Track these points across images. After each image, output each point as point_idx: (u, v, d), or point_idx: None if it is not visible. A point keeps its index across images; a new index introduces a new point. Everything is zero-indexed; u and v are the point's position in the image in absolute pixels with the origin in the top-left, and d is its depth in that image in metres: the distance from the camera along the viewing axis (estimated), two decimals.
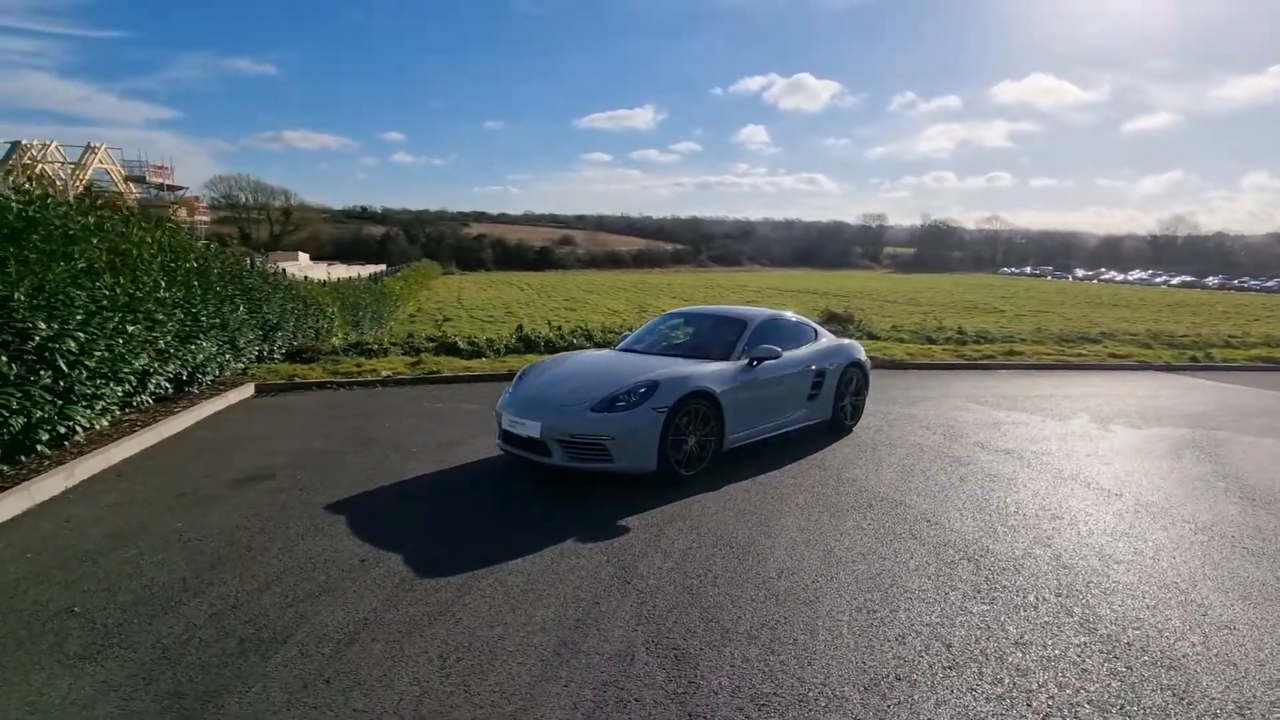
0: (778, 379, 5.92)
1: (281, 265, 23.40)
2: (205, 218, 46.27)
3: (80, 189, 37.77)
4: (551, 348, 12.44)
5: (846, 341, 7.00)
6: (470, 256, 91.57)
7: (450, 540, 3.94)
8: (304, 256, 45.84)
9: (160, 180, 41.00)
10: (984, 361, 12.55)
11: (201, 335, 7.56)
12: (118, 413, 6.18)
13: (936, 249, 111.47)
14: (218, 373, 8.48)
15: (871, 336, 14.89)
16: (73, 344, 4.89)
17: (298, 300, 13.30)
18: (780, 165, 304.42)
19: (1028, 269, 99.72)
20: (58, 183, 36.24)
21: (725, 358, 5.68)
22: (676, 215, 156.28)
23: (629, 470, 4.75)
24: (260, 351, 10.65)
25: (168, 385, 7.21)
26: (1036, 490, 5.18)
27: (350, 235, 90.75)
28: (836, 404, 6.55)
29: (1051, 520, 4.51)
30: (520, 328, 15.20)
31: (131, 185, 40.27)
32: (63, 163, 39.22)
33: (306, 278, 21.28)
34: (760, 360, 5.70)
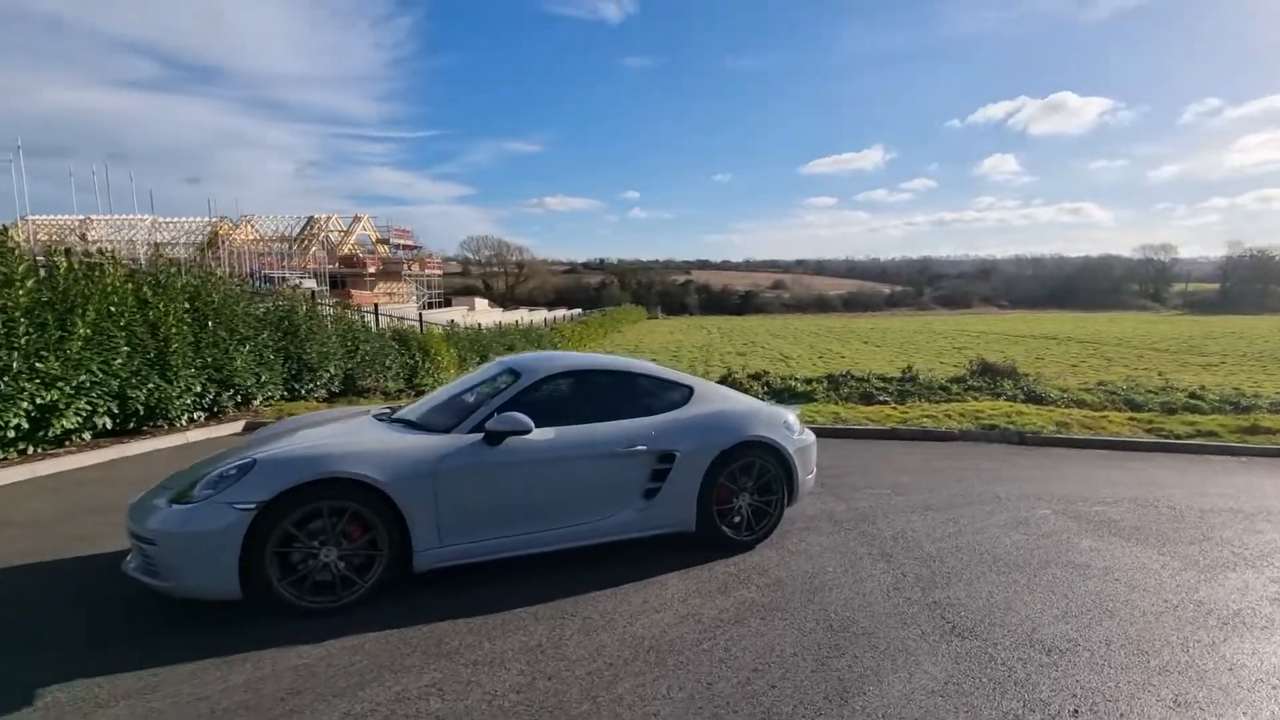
0: (556, 462, 3.74)
1: (450, 313, 25.43)
2: (438, 271, 53.83)
3: (346, 250, 46.68)
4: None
5: (747, 409, 4.42)
6: (675, 301, 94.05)
7: None
8: (481, 302, 50.50)
9: (400, 241, 48.78)
10: (1188, 441, 7.99)
11: (142, 377, 7.64)
12: None
13: (1251, 285, 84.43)
14: (189, 411, 8.55)
15: (1034, 399, 10.65)
16: None
17: (373, 341, 13.80)
18: (1035, 195, 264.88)
19: None
20: (327, 243, 45.05)
21: (448, 428, 3.71)
22: (906, 256, 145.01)
23: (190, 594, 3.09)
24: (293, 390, 10.97)
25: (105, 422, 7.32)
26: None
27: (572, 284, 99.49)
28: (710, 506, 4.05)
29: None
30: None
31: (382, 246, 48.48)
32: (340, 231, 48.80)
33: (452, 322, 22.80)
34: (503, 435, 3.62)
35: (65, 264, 7.34)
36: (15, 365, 6.23)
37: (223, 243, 44.15)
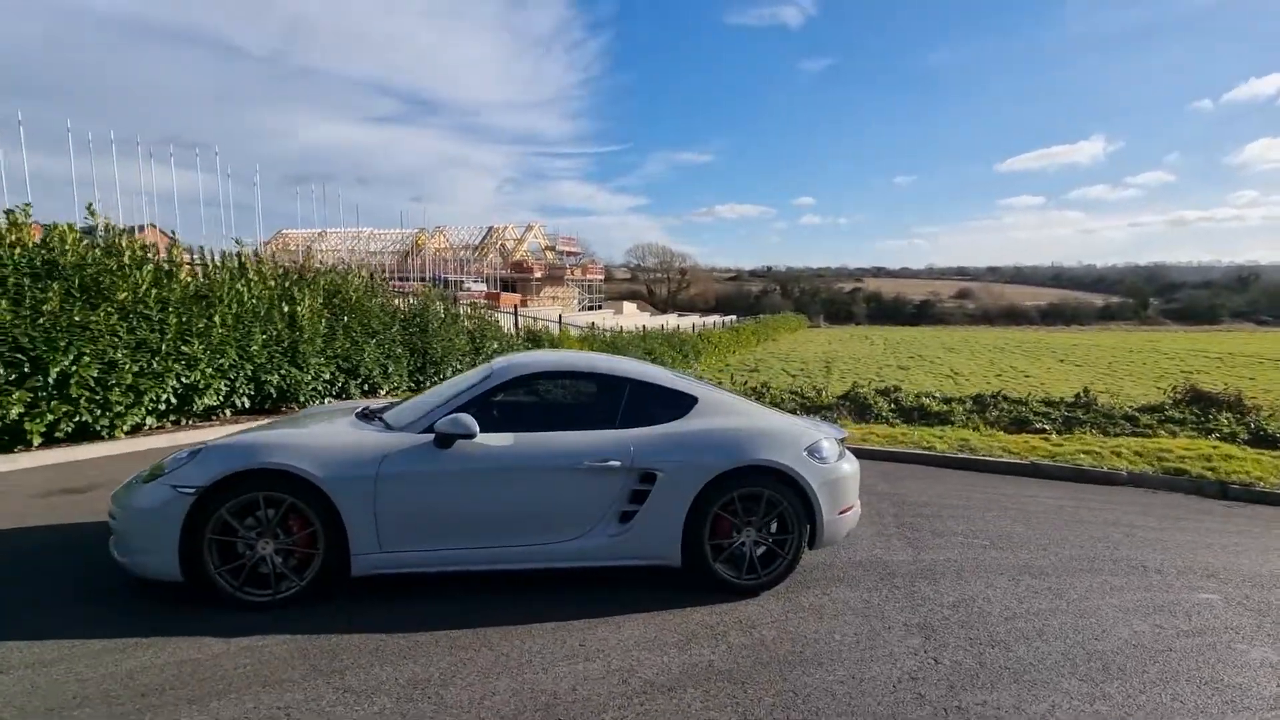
0: (513, 472, 3.33)
1: (594, 317, 26.33)
2: (599, 276, 56.20)
3: (518, 256, 50.51)
4: (810, 407, 9.97)
5: (757, 428, 3.61)
6: (841, 310, 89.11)
7: None
8: (630, 306, 51.29)
9: (566, 248, 51.62)
10: None
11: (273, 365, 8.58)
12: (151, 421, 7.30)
13: None
14: (318, 396, 9.47)
15: (1262, 441, 8.11)
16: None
17: (501, 340, 14.49)
18: None
19: None
20: (503, 249, 49.00)
21: (405, 426, 3.45)
22: (1131, 262, 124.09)
23: (140, 572, 3.13)
24: (417, 382, 11.79)
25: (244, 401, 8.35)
26: None
27: (733, 291, 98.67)
28: (700, 539, 3.38)
29: None
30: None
31: (550, 252, 51.71)
32: (514, 239, 52.94)
33: (593, 325, 23.42)
34: (452, 438, 3.28)
35: (212, 264, 8.45)
36: (164, 348, 7.25)
37: (419, 250, 49.88)
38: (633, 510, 3.39)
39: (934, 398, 10.70)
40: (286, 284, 9.56)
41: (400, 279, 40.06)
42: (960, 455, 7.30)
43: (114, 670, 2.57)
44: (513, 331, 16.74)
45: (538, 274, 46.87)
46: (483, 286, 37.45)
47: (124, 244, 7.47)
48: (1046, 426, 8.84)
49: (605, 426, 3.52)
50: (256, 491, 3.11)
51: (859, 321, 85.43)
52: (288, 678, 2.56)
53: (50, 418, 6.29)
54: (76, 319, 6.46)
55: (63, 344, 6.30)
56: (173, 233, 8.88)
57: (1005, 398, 10.55)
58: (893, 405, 10.28)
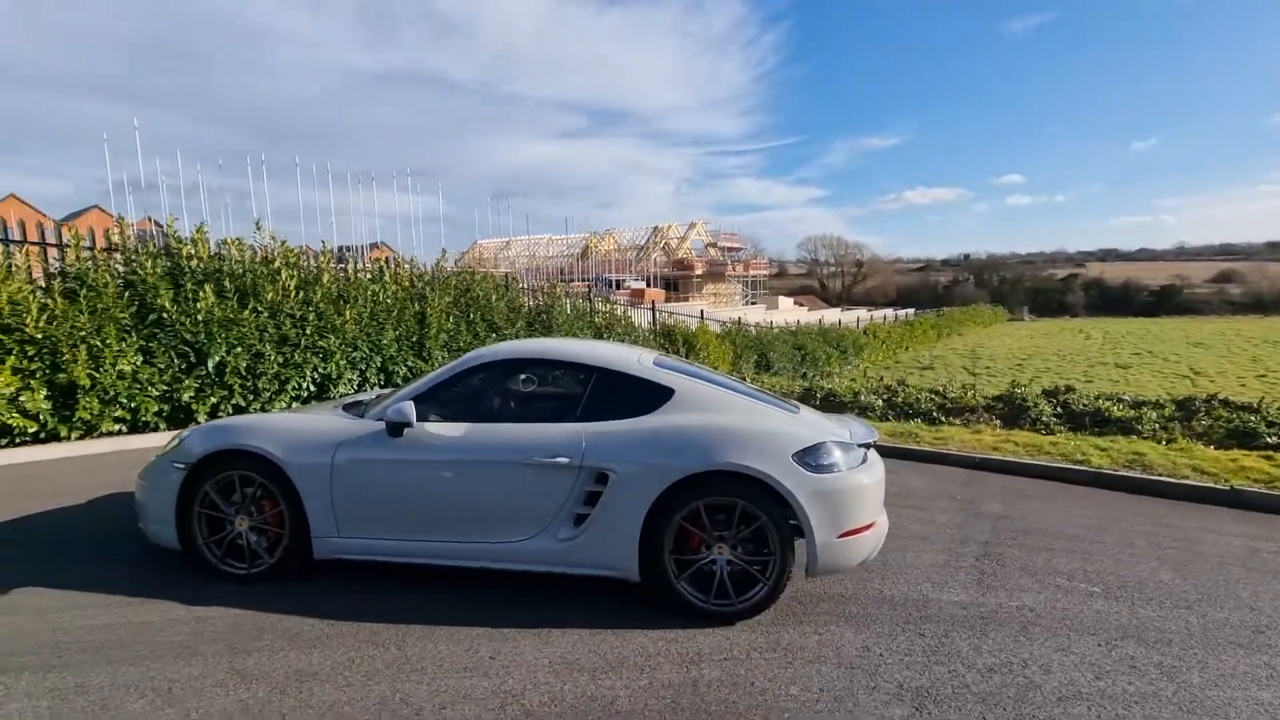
0: (460, 465, 3.12)
1: (742, 311, 25.73)
2: (763, 272, 54.71)
3: (680, 254, 50.97)
4: (949, 409, 8.65)
5: (735, 427, 3.01)
6: (1052, 300, 77.08)
7: None
8: (786, 301, 48.31)
9: (728, 244, 50.97)
10: None
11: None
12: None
13: None
14: None
15: None
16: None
17: (631, 335, 14.58)
18: None
19: None
20: (665, 246, 49.78)
21: (367, 414, 3.40)
22: None
23: (154, 539, 3.43)
24: None
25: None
26: None
27: (917, 282, 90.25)
28: (661, 553, 2.91)
29: None
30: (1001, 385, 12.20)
31: (712, 249, 51.47)
32: (679, 238, 53.54)
33: (739, 320, 22.72)
34: (400, 426, 3.15)
35: (351, 269, 9.46)
36: (303, 343, 8.26)
37: (589, 253, 52.60)
38: (584, 512, 3.04)
39: (1121, 401, 8.64)
40: (419, 285, 10.45)
41: (568, 280, 42.60)
42: (1124, 473, 5.74)
43: (84, 624, 2.84)
44: (647, 327, 16.80)
45: (699, 271, 46.88)
46: (641, 285, 38.34)
47: (276, 253, 8.65)
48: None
49: (566, 419, 3.20)
50: (233, 471, 3.29)
51: (1074, 312, 73.43)
52: (203, 651, 2.64)
53: (212, 401, 7.44)
54: (230, 316, 7.58)
55: (219, 338, 7.43)
56: (324, 243, 10.09)
57: (1226, 403, 8.17)
58: (1058, 409, 8.49)
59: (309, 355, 8.31)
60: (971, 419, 8.59)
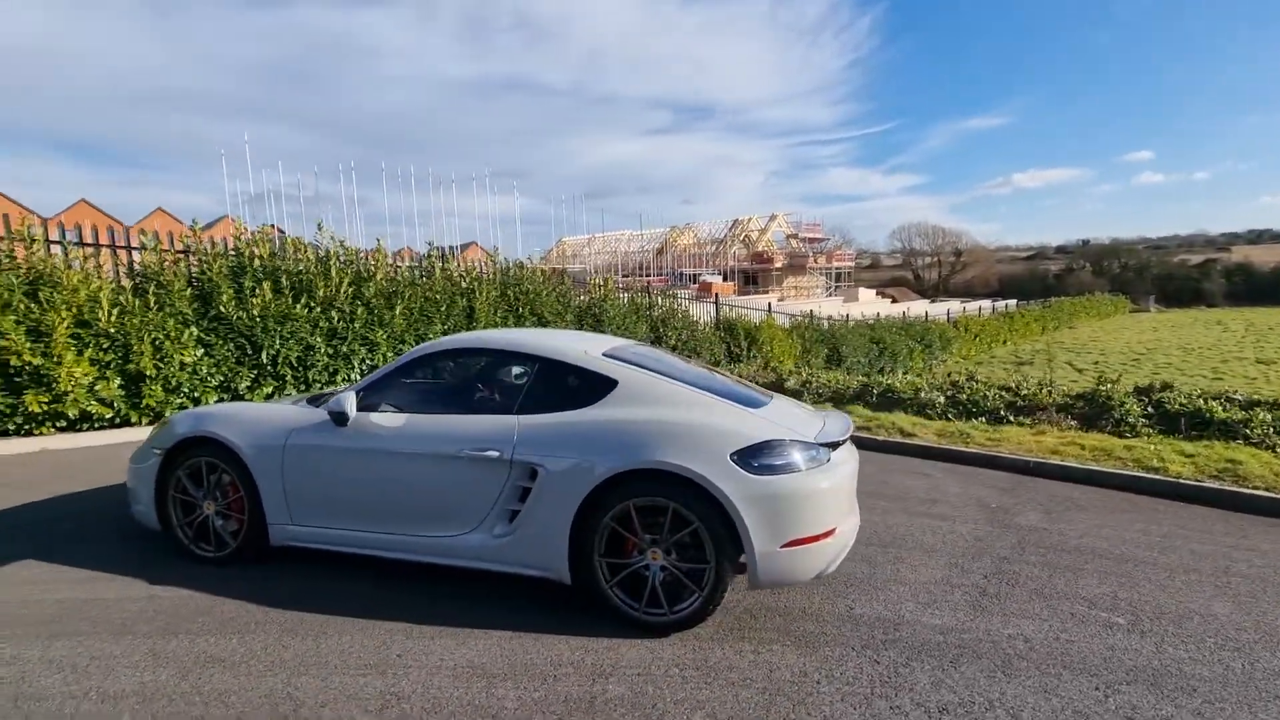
0: (397, 456, 3.04)
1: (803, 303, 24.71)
2: (848, 263, 52.46)
3: (760, 247, 49.79)
4: (1021, 407, 7.70)
5: (674, 421, 2.75)
6: (1186, 288, 68.79)
7: None
8: (867, 294, 45.42)
9: (809, 235, 49.21)
10: None
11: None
12: None
13: None
14: None
15: None
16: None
17: (688, 330, 14.33)
18: None
19: None
20: (746, 240, 48.81)
21: (319, 404, 3.39)
22: None
23: (138, 520, 3.60)
24: None
25: None
26: None
27: (1024, 271, 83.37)
28: (590, 554, 2.70)
29: None
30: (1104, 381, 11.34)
31: (793, 240, 49.94)
32: (759, 230, 52.37)
33: (810, 314, 21.81)
34: (341, 416, 3.12)
35: (397, 266, 9.80)
36: (350, 335, 8.64)
37: (669, 248, 52.44)
38: (515, 509, 2.89)
39: (1230, 400, 7.48)
40: (467, 281, 10.70)
41: (645, 275, 42.60)
42: (1209, 484, 4.92)
43: (52, 597, 3.01)
44: (708, 321, 16.45)
45: (778, 264, 45.57)
46: (717, 278, 37.75)
47: (331, 253, 9.09)
48: None
49: (505, 411, 3.07)
50: (201, 457, 3.39)
51: (1210, 302, 65.36)
52: (137, 630, 2.72)
53: (266, 390, 7.92)
54: (284, 311, 8.03)
55: (273, 331, 7.89)
56: (379, 241, 10.52)
57: None
58: (1149, 409, 7.47)
59: (357, 347, 8.68)
60: (1043, 419, 7.74)
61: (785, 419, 2.98)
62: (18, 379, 6.29)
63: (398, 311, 9.19)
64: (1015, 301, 45.44)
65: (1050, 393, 8.45)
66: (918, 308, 35.27)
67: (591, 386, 3.02)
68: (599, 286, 13.24)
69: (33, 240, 6.78)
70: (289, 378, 8.03)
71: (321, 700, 2.25)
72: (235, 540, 3.37)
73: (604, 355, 3.18)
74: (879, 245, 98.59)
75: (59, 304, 6.53)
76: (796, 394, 9.87)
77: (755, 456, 2.66)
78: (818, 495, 2.68)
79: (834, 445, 2.89)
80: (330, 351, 8.40)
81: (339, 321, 8.56)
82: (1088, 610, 3.01)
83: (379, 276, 9.39)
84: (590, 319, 12.37)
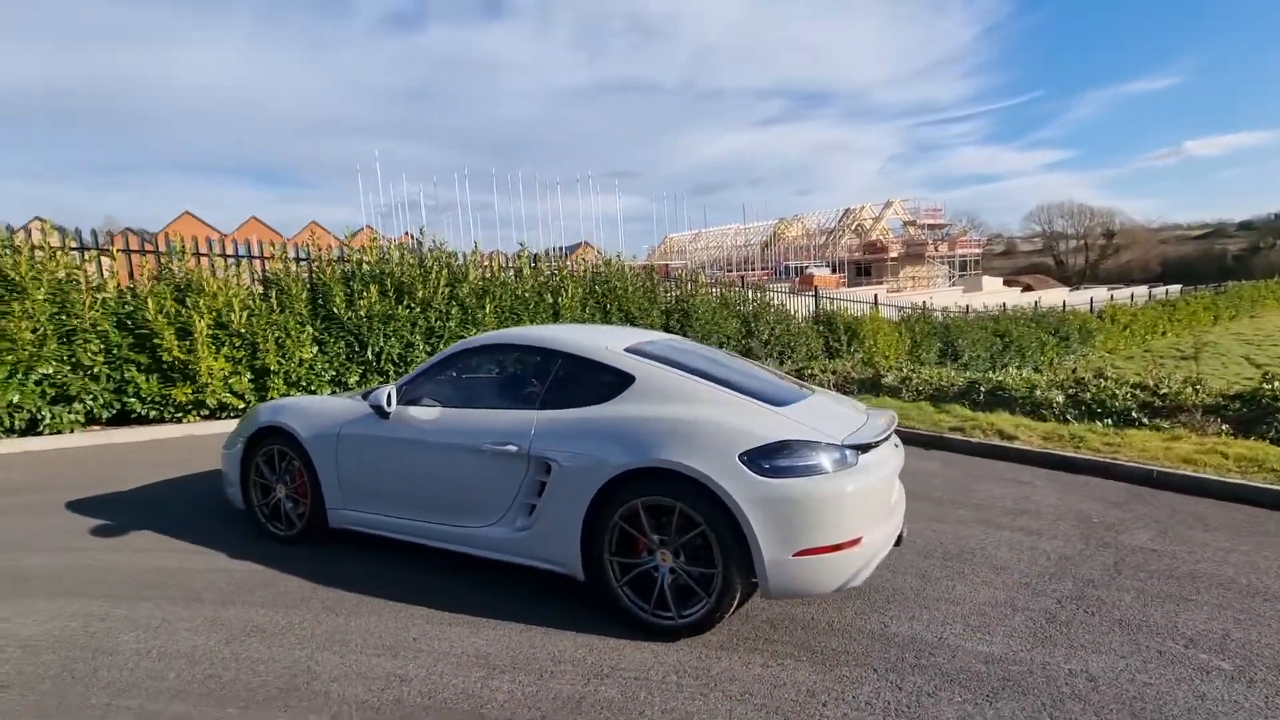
0: (430, 448, 3.15)
1: (920, 295, 23.13)
2: (976, 250, 48.39)
3: (874, 236, 47.20)
4: (1158, 410, 6.80)
5: (687, 419, 2.63)
6: None
7: None
8: (993, 282, 40.74)
9: (929, 221, 45.88)
10: None
11: None
12: None
13: None
14: None
15: None
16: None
17: (785, 323, 13.89)
18: None
19: None
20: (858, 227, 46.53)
21: (366, 396, 3.58)
22: None
23: (230, 500, 3.98)
24: None
25: None
26: None
27: (1195, 253, 72.67)
28: (602, 552, 2.65)
29: None
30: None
31: (911, 228, 46.85)
32: (872, 219, 49.72)
33: (924, 305, 20.35)
34: (381, 410, 3.28)
35: (489, 266, 10.27)
36: (446, 334, 9.18)
37: (776, 240, 51.20)
38: (532, 504, 2.92)
39: None
40: (555, 279, 11.02)
41: (751, 269, 41.79)
42: None
43: (155, 565, 3.43)
44: (806, 315, 15.85)
45: (893, 253, 42.91)
46: (825, 271, 36.22)
47: (428, 254, 9.71)
48: None
49: (528, 406, 3.11)
50: (274, 445, 3.74)
51: None
52: (206, 598, 3.04)
53: (372, 384, 8.61)
54: (388, 312, 8.68)
55: (378, 330, 8.56)
56: (475, 244, 11.10)
57: None
58: None
59: (451, 343, 9.22)
60: (1185, 422, 6.73)
61: (812, 418, 2.78)
62: (171, 373, 7.27)
63: (488, 310, 9.64)
64: (1179, 287, 39.82)
65: (1197, 391, 7.33)
66: (1053, 296, 31.85)
67: (609, 382, 2.99)
68: (689, 282, 13.14)
69: (182, 252, 7.82)
70: (391, 373, 8.66)
71: (334, 675, 2.40)
72: (301, 522, 3.69)
73: (626, 350, 3.14)
74: (1014, 229, 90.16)
75: (202, 308, 7.47)
76: (895, 391, 9.26)
77: (767, 457, 2.50)
78: (839, 501, 2.47)
79: (865, 447, 2.65)
80: (428, 349, 8.97)
81: (435, 320, 9.12)
82: (1183, 650, 2.56)
83: (471, 277, 9.90)
84: (678, 315, 12.31)
